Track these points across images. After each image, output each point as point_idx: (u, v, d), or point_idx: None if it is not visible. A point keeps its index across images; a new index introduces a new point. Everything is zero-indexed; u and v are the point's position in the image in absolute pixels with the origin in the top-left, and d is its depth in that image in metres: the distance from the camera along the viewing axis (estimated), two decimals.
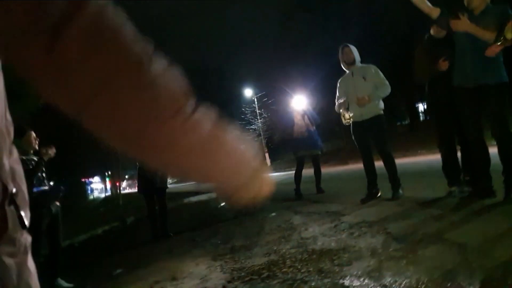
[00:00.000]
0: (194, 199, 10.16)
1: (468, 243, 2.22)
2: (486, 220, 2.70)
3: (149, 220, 5.36)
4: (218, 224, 5.15)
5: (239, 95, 40.65)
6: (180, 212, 7.76)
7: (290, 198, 6.13)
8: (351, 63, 4.50)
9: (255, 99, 38.21)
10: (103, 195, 52.94)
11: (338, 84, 4.71)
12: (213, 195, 10.42)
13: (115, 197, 35.64)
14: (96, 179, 56.07)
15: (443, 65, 3.57)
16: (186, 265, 3.26)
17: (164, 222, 5.23)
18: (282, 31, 33.43)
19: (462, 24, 3.08)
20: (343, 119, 4.52)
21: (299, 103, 6.66)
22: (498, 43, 2.82)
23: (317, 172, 6.46)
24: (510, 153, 3.13)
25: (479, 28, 3.05)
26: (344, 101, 4.52)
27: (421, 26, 3.97)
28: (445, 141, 3.82)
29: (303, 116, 6.38)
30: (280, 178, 16.38)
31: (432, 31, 3.78)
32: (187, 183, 40.94)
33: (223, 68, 49.45)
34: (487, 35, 3.01)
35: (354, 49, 4.51)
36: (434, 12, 3.26)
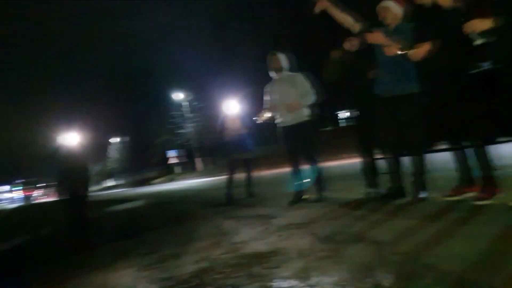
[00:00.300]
0: (119, 207, 9.66)
1: (384, 240, 2.40)
2: (398, 218, 2.95)
3: (68, 230, 4.98)
4: (144, 232, 4.95)
5: (169, 98, 39.60)
6: (103, 221, 7.32)
7: (221, 203, 6.12)
8: (278, 70, 4.63)
9: (186, 103, 37.62)
10: (13, 205, 48.09)
11: (266, 90, 4.82)
12: (140, 202, 10.00)
13: (26, 207, 32.58)
14: (4, 188, 50.78)
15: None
16: (109, 278, 3.08)
17: (85, 232, 4.89)
18: (214, 37, 33.43)
19: (375, 37, 3.37)
20: (260, 118, 4.66)
21: (231, 107, 6.71)
22: (401, 51, 3.11)
23: (249, 176, 6.50)
24: (419, 157, 3.46)
25: (390, 41, 3.35)
26: (269, 106, 4.67)
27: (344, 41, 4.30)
28: (364, 146, 4.14)
29: (234, 119, 6.43)
30: (212, 183, 16.30)
31: (345, 45, 4.04)
32: (112, 191, 38.80)
33: (153, 72, 47.82)
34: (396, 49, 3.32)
35: (282, 57, 4.64)
36: (356, 26, 3.53)
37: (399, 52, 3.10)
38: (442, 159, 3.69)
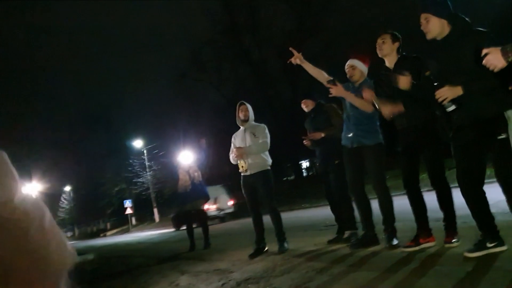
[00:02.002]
0: None
1: None
2: (360, 270, 2.92)
3: None
4: None
5: (128, 146, 38.73)
6: None
7: (176, 257, 5.87)
8: (246, 120, 4.74)
9: (145, 151, 36.87)
10: None
11: (232, 139, 4.91)
12: (90, 256, 9.33)
13: None
14: None
15: (306, 143, 4.45)
16: None
17: None
18: (177, 87, 33.82)
19: (337, 90, 3.56)
20: (239, 167, 4.64)
21: (184, 158, 6.98)
22: (377, 101, 3.29)
23: (204, 227, 6.61)
24: (386, 205, 3.57)
25: (351, 95, 3.59)
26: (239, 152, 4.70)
27: (303, 95, 4.70)
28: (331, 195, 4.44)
29: (187, 171, 6.61)
30: (170, 235, 15.63)
31: (303, 106, 4.62)
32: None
33: (112, 118, 47.12)
34: (358, 102, 3.54)
35: (250, 108, 4.80)
36: (323, 76, 3.81)
37: (376, 103, 3.29)
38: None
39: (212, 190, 17.02)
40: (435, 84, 2.66)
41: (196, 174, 6.65)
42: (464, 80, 2.51)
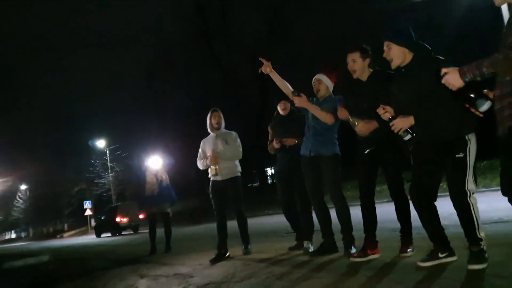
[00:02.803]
0: (18, 263, 8.52)
1: None
2: (319, 276, 3.01)
3: None
4: None
5: (90, 146, 37.42)
6: None
7: (136, 260, 5.76)
8: (218, 127, 4.77)
9: (107, 151, 35.80)
10: None
11: (201, 144, 4.89)
12: (44, 258, 9.00)
13: None
14: None
15: (276, 145, 4.31)
16: None
17: None
18: (144, 88, 33.19)
19: (301, 101, 3.66)
20: (212, 171, 4.64)
21: (152, 161, 7.00)
22: (351, 118, 3.33)
23: (167, 231, 6.68)
24: (343, 214, 3.69)
25: (315, 107, 3.69)
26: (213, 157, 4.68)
27: (272, 102, 4.65)
28: (287, 203, 4.43)
29: (155, 174, 6.72)
30: (130, 237, 15.26)
31: (279, 108, 4.47)
32: (11, 244, 34.40)
33: (74, 117, 45.46)
34: (319, 114, 3.65)
35: (221, 115, 4.83)
36: (288, 90, 3.87)
37: (351, 119, 3.30)
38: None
39: (125, 205, 20.26)
40: (390, 117, 2.74)
41: (163, 177, 6.74)
42: (424, 106, 2.64)
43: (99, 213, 23.86)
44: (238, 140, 4.82)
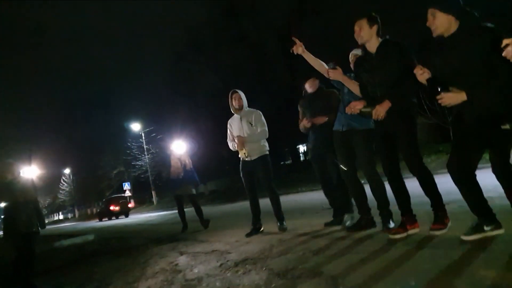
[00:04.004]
0: (66, 242, 9.04)
1: (340, 274, 2.40)
2: (354, 251, 2.97)
3: (13, 271, 4.54)
4: (93, 270, 4.64)
5: (126, 129, 38.58)
6: (50, 257, 6.80)
7: (175, 238, 5.95)
8: (240, 108, 4.77)
9: (143, 134, 36.77)
10: None
11: (228, 125, 4.95)
12: (90, 237, 9.48)
13: None
14: None
15: (306, 124, 4.25)
16: None
17: (28, 271, 4.48)
18: (174, 70, 33.46)
19: (336, 74, 3.54)
20: (241, 154, 4.70)
21: (177, 146, 7.57)
22: (364, 110, 3.22)
23: (197, 209, 7.07)
24: (378, 190, 3.58)
25: (351, 81, 3.53)
26: (240, 140, 4.72)
27: (302, 79, 4.52)
28: (323, 179, 4.36)
29: (179, 158, 7.16)
30: (167, 217, 15.78)
31: (306, 86, 4.37)
32: (59, 225, 36.51)
33: (110, 101, 46.84)
34: (356, 88, 3.47)
35: (242, 95, 4.81)
36: (323, 68, 3.71)
37: (362, 110, 3.20)
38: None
39: (117, 197, 26.34)
40: (438, 88, 2.56)
41: (187, 161, 7.18)
42: (472, 79, 2.46)
43: (100, 203, 31.41)
44: (263, 118, 4.80)
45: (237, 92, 4.83)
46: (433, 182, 3.08)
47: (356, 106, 3.24)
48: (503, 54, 2.12)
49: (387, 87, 3.06)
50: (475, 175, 2.58)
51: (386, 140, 3.20)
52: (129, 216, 24.95)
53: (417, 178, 3.12)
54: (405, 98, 3.08)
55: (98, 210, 28.92)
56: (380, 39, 3.18)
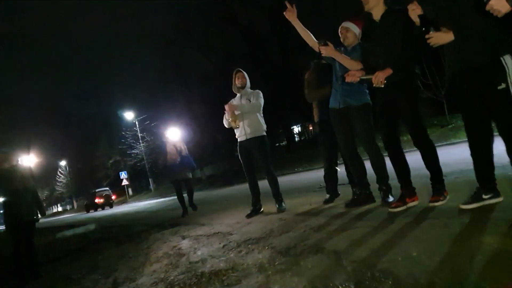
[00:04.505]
0: (68, 233, 9.09)
1: (342, 250, 2.44)
2: (355, 226, 3.02)
3: (14, 260, 4.57)
4: (97, 258, 4.68)
5: (120, 118, 38.33)
6: (52, 248, 6.85)
7: (176, 223, 6.00)
8: (242, 87, 4.75)
9: (137, 122, 36.56)
10: None
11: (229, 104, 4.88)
12: (91, 226, 9.52)
13: None
14: None
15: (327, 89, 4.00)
16: None
17: (32, 260, 4.52)
18: (165, 56, 33.06)
19: (327, 50, 3.50)
20: (233, 125, 4.65)
21: (171, 133, 7.82)
22: (364, 77, 3.21)
23: (190, 192, 7.66)
24: (378, 164, 3.60)
25: (343, 56, 3.51)
26: (231, 108, 4.69)
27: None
28: (329, 154, 4.34)
29: (174, 145, 7.39)
30: (166, 203, 15.86)
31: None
32: (59, 217, 36.57)
33: (102, 91, 46.33)
34: (348, 63, 3.48)
35: (246, 75, 4.81)
36: (312, 40, 3.67)
37: (362, 78, 3.19)
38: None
39: (101, 191, 29.12)
40: (423, 29, 2.56)
41: (182, 147, 7.41)
42: (460, 24, 2.45)
43: (87, 196, 33.74)
44: (261, 95, 4.79)
45: (241, 71, 4.82)
46: (436, 155, 3.09)
47: (356, 74, 3.23)
48: (486, 8, 2.10)
49: (389, 56, 3.03)
50: (490, 140, 2.55)
51: (387, 111, 3.17)
52: (113, 207, 28.23)
53: (420, 151, 3.11)
54: (407, 67, 3.06)
55: (85, 203, 32.14)
56: (386, 8, 3.13)
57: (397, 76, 3.01)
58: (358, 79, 3.23)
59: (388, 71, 3.01)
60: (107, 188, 32.26)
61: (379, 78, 3.03)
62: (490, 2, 2.06)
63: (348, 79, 3.31)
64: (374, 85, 3.11)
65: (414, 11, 2.67)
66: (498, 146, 2.58)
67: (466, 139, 2.69)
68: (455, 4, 2.47)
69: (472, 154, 2.62)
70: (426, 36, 2.55)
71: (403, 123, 3.17)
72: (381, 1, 3.11)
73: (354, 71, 3.27)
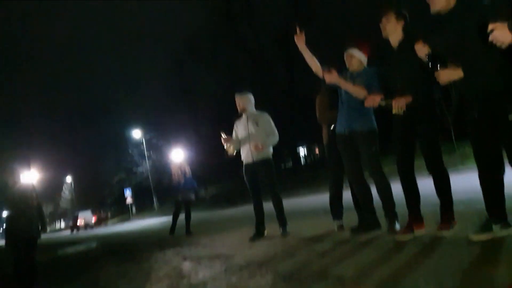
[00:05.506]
0: (70, 250, 9.03)
1: (347, 277, 2.38)
2: (361, 253, 2.95)
3: (14, 278, 4.52)
4: (98, 276, 4.61)
5: (127, 136, 38.63)
6: (53, 265, 6.79)
7: (178, 243, 5.93)
8: (245, 109, 4.78)
9: (143, 141, 36.78)
10: None
11: (234, 126, 4.94)
12: (92, 244, 9.46)
13: None
14: None
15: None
16: None
17: (32, 278, 4.47)
18: (174, 76, 33.58)
19: (331, 77, 3.51)
20: (227, 152, 4.74)
21: (176, 154, 8.28)
22: (383, 103, 3.22)
23: (187, 216, 7.62)
24: (384, 191, 3.55)
25: (346, 82, 3.51)
26: (228, 137, 4.75)
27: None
28: (336, 179, 4.24)
29: (179, 166, 7.72)
30: (168, 223, 15.73)
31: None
32: (62, 233, 36.48)
33: (110, 109, 46.92)
34: (351, 89, 3.50)
35: (246, 97, 4.81)
36: (318, 68, 3.67)
37: (383, 103, 3.21)
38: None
39: (83, 213, 33.01)
40: (433, 64, 2.58)
41: (186, 169, 7.71)
42: (466, 56, 2.45)
43: (71, 216, 37.98)
44: (272, 123, 4.78)
45: (238, 95, 4.84)
46: (448, 183, 3.04)
47: (376, 99, 3.23)
48: (489, 39, 2.11)
49: (408, 82, 3.03)
50: (500, 171, 2.51)
51: (403, 136, 3.14)
52: (93, 228, 31.86)
53: (434, 177, 3.07)
54: (426, 93, 3.05)
55: (70, 224, 36.21)
56: (403, 35, 3.14)
57: (416, 102, 3.01)
58: (377, 104, 3.23)
59: (408, 98, 3.02)
60: (89, 211, 35.85)
61: (400, 105, 3.03)
62: (494, 33, 2.06)
63: (368, 103, 3.32)
64: (393, 112, 3.10)
65: (421, 51, 2.68)
66: (509, 176, 2.54)
67: (474, 166, 2.65)
68: (463, 38, 2.48)
69: (482, 183, 2.58)
70: (435, 73, 2.57)
71: (420, 147, 3.13)
72: (399, 28, 3.13)
73: (374, 96, 3.27)
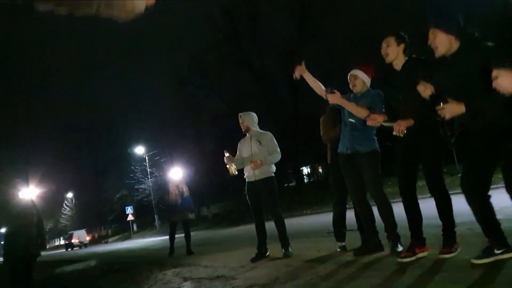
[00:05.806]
0: (68, 268, 8.92)
1: None
2: (366, 276, 2.90)
3: None
4: None
5: (130, 153, 38.69)
6: (51, 283, 6.70)
7: (179, 263, 5.85)
8: (248, 128, 4.80)
9: (146, 157, 36.80)
10: None
11: (238, 145, 4.95)
12: (92, 263, 9.37)
13: None
14: None
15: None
16: None
17: None
18: (178, 94, 33.85)
19: (334, 98, 3.54)
20: (229, 171, 4.68)
21: (174, 173, 8.30)
22: (385, 124, 3.25)
23: (187, 235, 7.46)
24: (385, 212, 3.53)
25: (349, 103, 3.54)
26: (230, 157, 4.72)
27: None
28: (339, 199, 4.19)
29: (177, 185, 7.60)
30: (166, 242, 15.56)
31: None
32: (60, 250, 36.17)
33: (114, 125, 47.11)
34: (355, 110, 3.52)
35: (248, 117, 4.84)
36: (322, 91, 3.70)
37: (383, 124, 3.23)
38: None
39: (77, 232, 35.99)
40: (437, 103, 2.60)
41: (184, 188, 7.59)
42: (473, 94, 2.48)
43: (66, 235, 39.36)
44: (275, 141, 4.78)
45: (240, 116, 4.87)
46: (450, 205, 3.03)
47: (377, 119, 3.25)
48: (493, 86, 2.13)
49: (411, 104, 3.06)
50: (489, 196, 2.55)
51: (406, 158, 3.17)
52: (87, 247, 33.22)
53: (435, 199, 3.07)
54: (428, 115, 3.05)
55: (66, 243, 36.84)
56: (406, 57, 3.19)
57: (419, 124, 3.03)
58: (379, 124, 3.25)
59: (410, 122, 3.04)
60: (84, 230, 37.26)
61: (400, 127, 3.04)
62: (497, 81, 2.08)
63: (369, 123, 3.33)
64: (393, 133, 3.11)
65: (425, 92, 2.73)
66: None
67: None
68: (467, 78, 2.52)
69: (474, 211, 2.58)
70: (437, 108, 2.59)
71: (422, 169, 3.15)
72: (401, 52, 3.18)
73: (376, 115, 3.29)
